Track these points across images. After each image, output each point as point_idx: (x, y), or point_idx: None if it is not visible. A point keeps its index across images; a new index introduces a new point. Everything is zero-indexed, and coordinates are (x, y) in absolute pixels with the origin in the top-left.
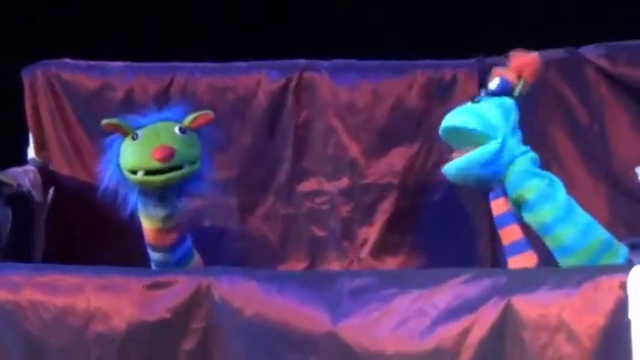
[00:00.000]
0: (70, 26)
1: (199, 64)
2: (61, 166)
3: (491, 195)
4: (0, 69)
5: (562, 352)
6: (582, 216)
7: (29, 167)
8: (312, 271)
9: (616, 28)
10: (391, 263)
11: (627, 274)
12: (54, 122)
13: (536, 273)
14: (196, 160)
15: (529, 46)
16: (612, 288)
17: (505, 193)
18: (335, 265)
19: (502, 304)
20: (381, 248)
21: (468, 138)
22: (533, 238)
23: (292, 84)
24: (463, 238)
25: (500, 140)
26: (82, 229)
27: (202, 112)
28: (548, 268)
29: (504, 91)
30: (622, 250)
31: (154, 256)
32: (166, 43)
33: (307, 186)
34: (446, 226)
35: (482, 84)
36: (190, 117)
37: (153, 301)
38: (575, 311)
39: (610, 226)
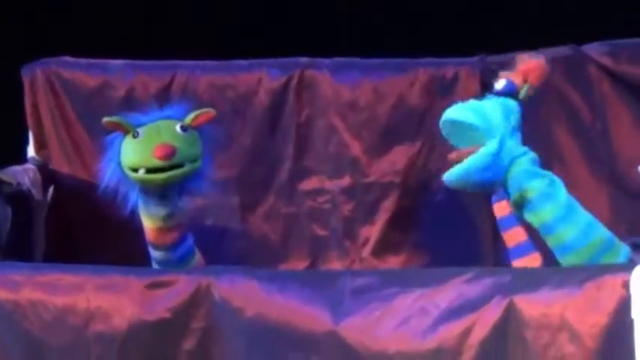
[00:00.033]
0: (70, 25)
1: (200, 62)
2: (60, 165)
3: (493, 198)
4: (0, 68)
5: (564, 351)
6: (583, 215)
7: (29, 166)
8: (313, 270)
9: (618, 27)
10: (393, 262)
11: (630, 273)
12: (54, 121)
13: (539, 272)
14: (197, 158)
15: (530, 44)
16: (615, 287)
17: (507, 196)
18: (336, 265)
19: (504, 303)
20: (383, 247)
21: (467, 134)
22: (533, 238)
23: (293, 82)
24: (465, 236)
25: (498, 140)
26: (82, 228)
27: (204, 110)
28: (551, 267)
29: (509, 92)
30: (623, 249)
31: (154, 254)
32: (166, 43)
33: (308, 185)
34: (448, 225)
35: (484, 82)
36: (192, 115)
37: (153, 300)
38: (578, 310)
39: (612, 225)
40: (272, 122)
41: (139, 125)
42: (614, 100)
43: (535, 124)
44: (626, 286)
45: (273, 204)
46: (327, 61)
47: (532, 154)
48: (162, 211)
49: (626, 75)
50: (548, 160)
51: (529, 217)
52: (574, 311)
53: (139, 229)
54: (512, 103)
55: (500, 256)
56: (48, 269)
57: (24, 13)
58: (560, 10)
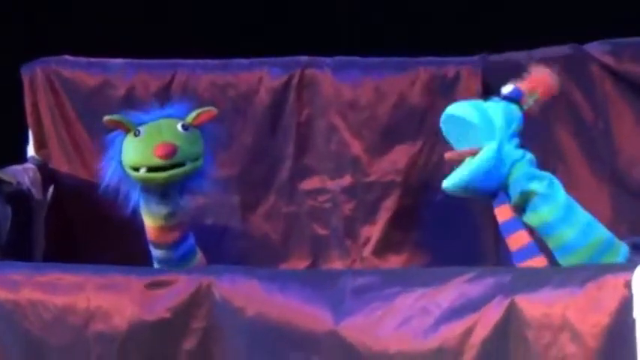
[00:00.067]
0: (70, 24)
1: (200, 61)
2: (60, 164)
3: (494, 202)
4: (0, 67)
5: (566, 351)
6: (582, 215)
7: (29, 165)
8: (314, 269)
9: (619, 26)
10: (394, 262)
11: (632, 272)
12: (54, 120)
13: (540, 272)
14: (199, 157)
15: (532, 43)
16: (617, 287)
17: (508, 199)
18: (337, 264)
19: (506, 303)
20: (384, 247)
21: (466, 132)
22: (536, 240)
23: (294, 81)
24: (466, 236)
25: (497, 143)
26: (82, 227)
27: (205, 109)
28: (552, 267)
29: (515, 98)
30: (622, 249)
31: (156, 253)
32: (167, 42)
33: (309, 184)
34: (449, 224)
35: (486, 81)
36: (193, 114)
37: (153, 300)
38: (580, 310)
39: (613, 224)
40: (273, 121)
41: (140, 124)
42: (616, 99)
43: (537, 123)
44: (627, 285)
45: (273, 203)
46: (327, 59)
47: (530, 156)
48: (163, 210)
49: (628, 74)
50: (550, 159)
51: (529, 218)
52: (575, 311)
53: (139, 228)
54: (515, 110)
55: (501, 256)
56: (48, 269)
57: (24, 13)
58: (562, 10)
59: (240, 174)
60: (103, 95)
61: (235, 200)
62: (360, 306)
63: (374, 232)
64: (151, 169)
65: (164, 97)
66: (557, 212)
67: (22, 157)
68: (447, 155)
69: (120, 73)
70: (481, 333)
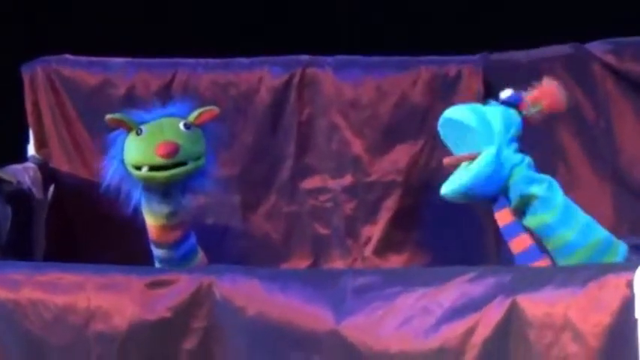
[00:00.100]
0: (70, 23)
1: (201, 60)
2: (61, 163)
3: (494, 207)
4: (0, 66)
5: (567, 351)
6: (581, 216)
7: (29, 164)
8: (315, 269)
9: (620, 25)
10: (395, 261)
11: (634, 272)
12: (54, 119)
13: (542, 272)
14: (201, 156)
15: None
16: (618, 286)
17: (508, 203)
18: (338, 264)
19: (507, 302)
20: (385, 246)
21: (465, 136)
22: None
23: (295, 80)
24: (468, 235)
25: (495, 147)
26: (83, 227)
27: (207, 108)
28: (554, 266)
29: (513, 103)
30: (621, 248)
31: (157, 252)
32: (167, 42)
33: (310, 183)
34: (450, 224)
35: (487, 80)
36: (195, 113)
37: (154, 299)
38: (581, 310)
39: (614, 224)
40: (274, 120)
41: (142, 123)
42: (618, 98)
43: (537, 123)
44: (629, 285)
45: (275, 202)
46: (329, 59)
47: (528, 159)
48: (165, 209)
49: (629, 73)
50: (551, 158)
51: (529, 221)
52: (577, 311)
53: (140, 228)
54: (514, 115)
55: (502, 256)
56: (48, 268)
57: (24, 12)
58: (563, 9)
59: (241, 173)
60: (104, 94)
61: (236, 200)
62: (361, 306)
63: (375, 231)
64: (153, 168)
65: (165, 96)
66: (557, 214)
67: (22, 157)
68: (446, 161)
69: (120, 72)
70: (482, 333)
